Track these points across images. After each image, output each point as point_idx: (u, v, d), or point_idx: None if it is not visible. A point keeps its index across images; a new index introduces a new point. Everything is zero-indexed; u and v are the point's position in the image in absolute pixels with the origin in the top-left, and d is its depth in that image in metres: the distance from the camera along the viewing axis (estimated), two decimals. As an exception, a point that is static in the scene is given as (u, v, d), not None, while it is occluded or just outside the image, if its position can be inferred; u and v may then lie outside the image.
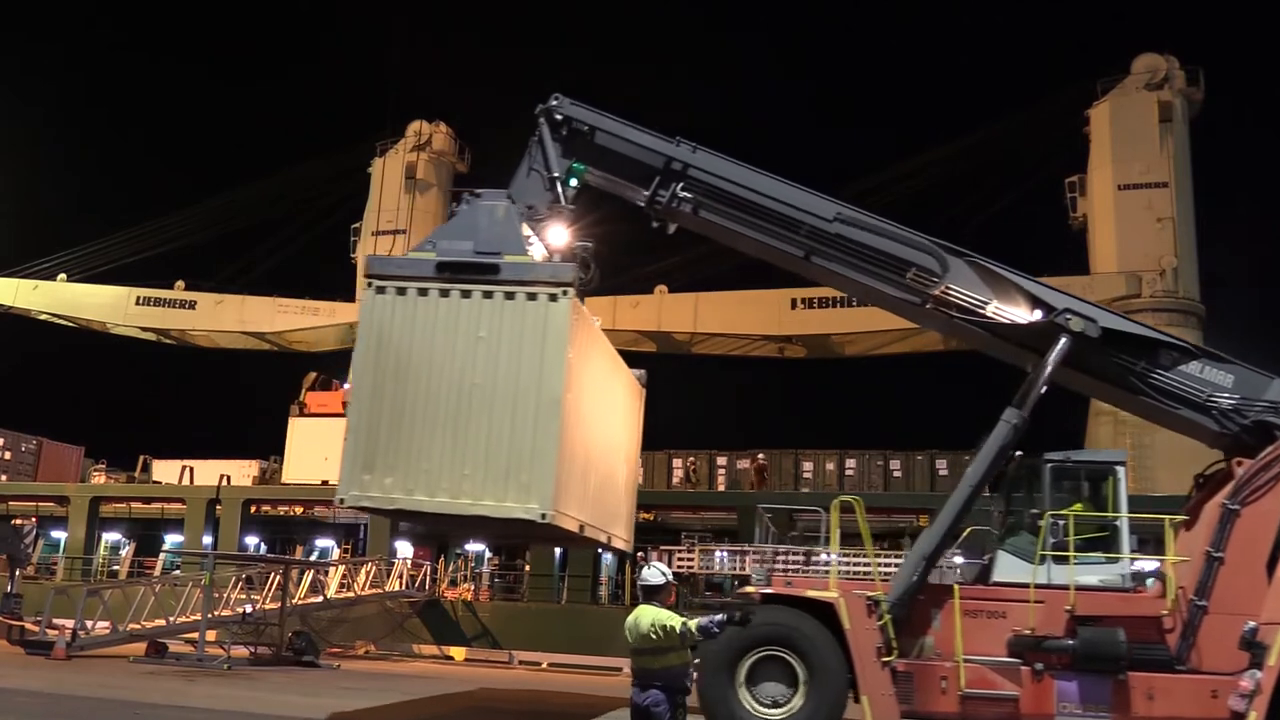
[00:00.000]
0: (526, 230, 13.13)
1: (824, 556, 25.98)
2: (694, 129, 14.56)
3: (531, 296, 12.07)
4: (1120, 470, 13.87)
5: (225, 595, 28.72)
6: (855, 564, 20.74)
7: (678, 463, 38.79)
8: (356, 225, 50.25)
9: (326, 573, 32.22)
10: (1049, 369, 13.66)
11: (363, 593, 31.52)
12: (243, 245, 51.84)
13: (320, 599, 30.84)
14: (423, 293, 12.34)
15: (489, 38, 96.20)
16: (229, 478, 39.47)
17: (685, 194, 14.24)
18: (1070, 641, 12.79)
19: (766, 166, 14.50)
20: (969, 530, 14.57)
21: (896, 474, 37.15)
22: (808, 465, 38.05)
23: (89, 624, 25.53)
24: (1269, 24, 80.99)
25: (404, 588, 32.88)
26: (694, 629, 9.18)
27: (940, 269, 13.97)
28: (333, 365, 46.25)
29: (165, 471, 43.86)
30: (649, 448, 17.29)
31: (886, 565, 17.39)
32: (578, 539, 13.71)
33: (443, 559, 36.68)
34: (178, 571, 35.20)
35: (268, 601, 28.36)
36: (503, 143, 48.10)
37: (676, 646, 9.31)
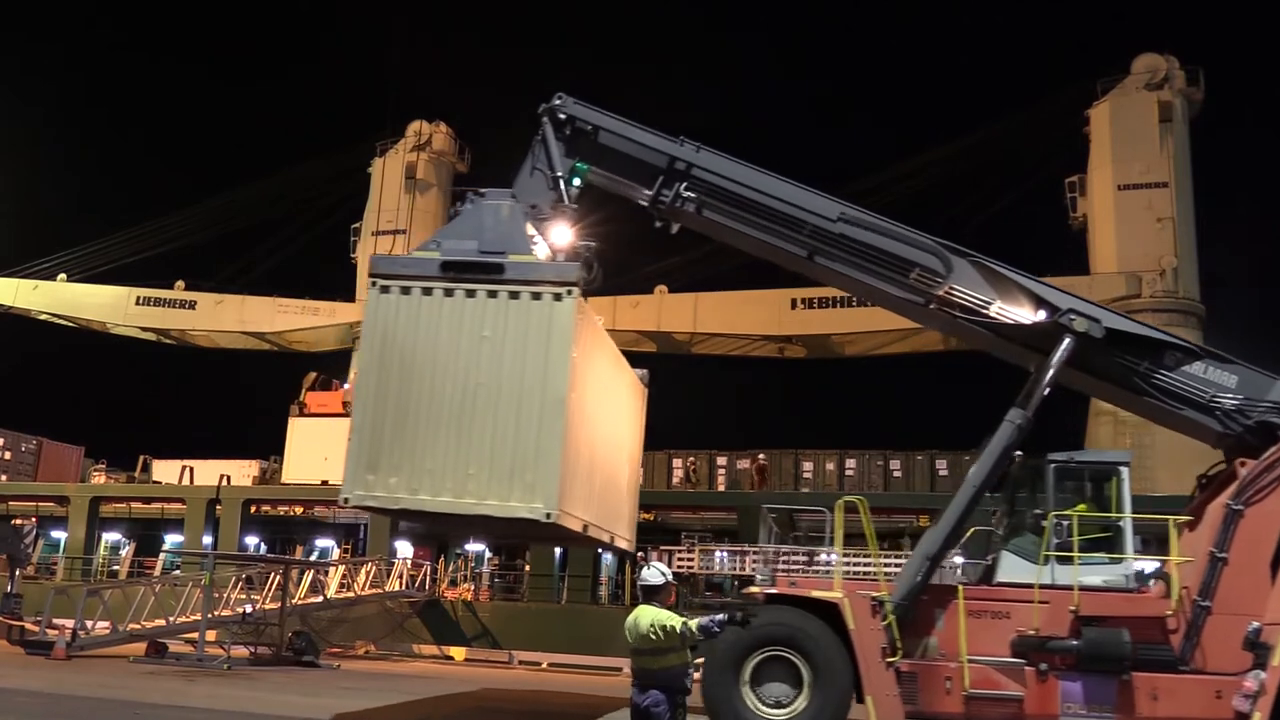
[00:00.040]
0: (530, 230, 13.10)
1: (823, 557, 26.02)
2: (694, 129, 14.53)
3: (536, 296, 12.04)
4: (1124, 471, 13.87)
5: (225, 595, 28.70)
6: (858, 564, 20.70)
7: (678, 463, 38.75)
8: (356, 225, 50.34)
9: (326, 573, 32.21)
10: (1053, 369, 13.64)
11: (363, 593, 31.51)
12: (243, 245, 52.00)
13: (320, 599, 30.83)
14: (427, 292, 12.30)
15: (489, 38, 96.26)
16: (229, 478, 39.43)
17: (689, 194, 14.20)
18: (1075, 642, 12.79)
19: (767, 166, 14.48)
20: (971, 531, 14.56)
21: (896, 474, 37.11)
22: (808, 465, 38.00)
23: (89, 624, 25.51)
24: (1269, 24, 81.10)
25: (404, 588, 32.87)
26: (694, 629, 9.17)
27: (944, 269, 13.95)
28: (333, 365, 46.36)
29: (165, 471, 43.81)
30: (649, 448, 17.27)
31: (889, 566, 17.37)
32: (581, 539, 13.70)
33: (443, 559, 36.67)
34: (178, 571, 35.18)
35: (268, 601, 28.35)
36: (503, 143, 48.28)
37: (676, 647, 9.30)
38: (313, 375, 43.77)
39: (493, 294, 12.17)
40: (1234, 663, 12.38)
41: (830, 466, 37.69)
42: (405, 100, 54.87)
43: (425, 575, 33.80)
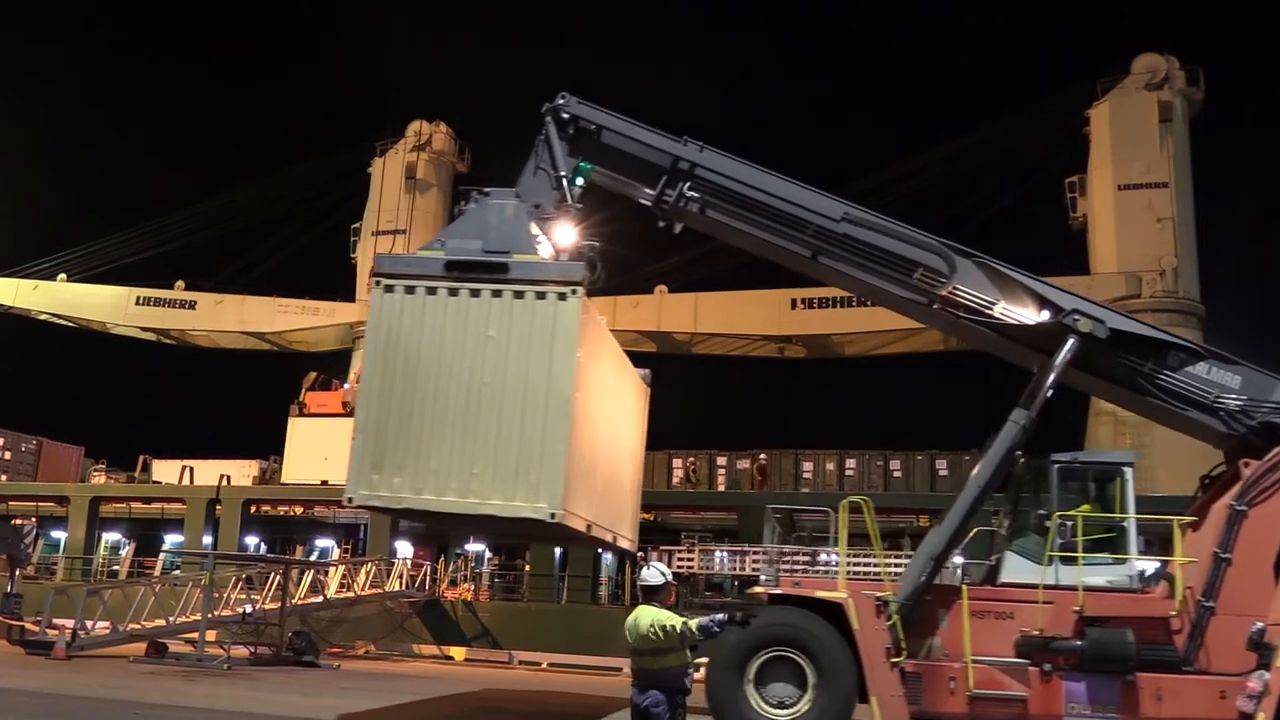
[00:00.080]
0: (534, 229, 13.09)
1: (824, 557, 26.04)
2: (694, 129, 14.52)
3: (541, 295, 12.02)
4: (1128, 471, 13.87)
5: (225, 595, 28.68)
6: (860, 564, 20.71)
7: (678, 463, 38.70)
8: (356, 225, 50.35)
9: (326, 573, 32.20)
10: (1057, 370, 13.64)
11: (363, 593, 31.50)
12: (243, 245, 51.97)
13: (320, 599, 30.81)
14: (431, 291, 12.28)
15: (489, 38, 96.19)
16: (229, 478, 39.39)
17: (692, 193, 14.19)
18: (1078, 642, 12.79)
19: (767, 166, 14.47)
20: (973, 531, 14.56)
21: (896, 474, 37.07)
22: (808, 465, 37.96)
23: (89, 624, 25.49)
24: (1269, 24, 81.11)
25: (404, 588, 32.85)
26: (694, 629, 9.17)
27: (948, 269, 13.94)
28: (333, 365, 46.31)
29: (165, 471, 43.74)
30: (649, 448, 17.26)
31: (892, 566, 17.39)
32: (585, 538, 13.68)
33: (443, 559, 36.66)
34: (178, 571, 35.17)
35: (268, 601, 28.33)
36: (503, 143, 48.26)
37: (676, 647, 9.29)
38: (313, 375, 43.71)
39: (497, 293, 12.15)
40: (1238, 663, 12.39)
41: (830, 466, 37.66)
42: (405, 100, 54.94)
43: (425, 575, 33.79)
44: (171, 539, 41.36)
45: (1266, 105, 77.03)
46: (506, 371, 11.85)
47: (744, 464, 38.50)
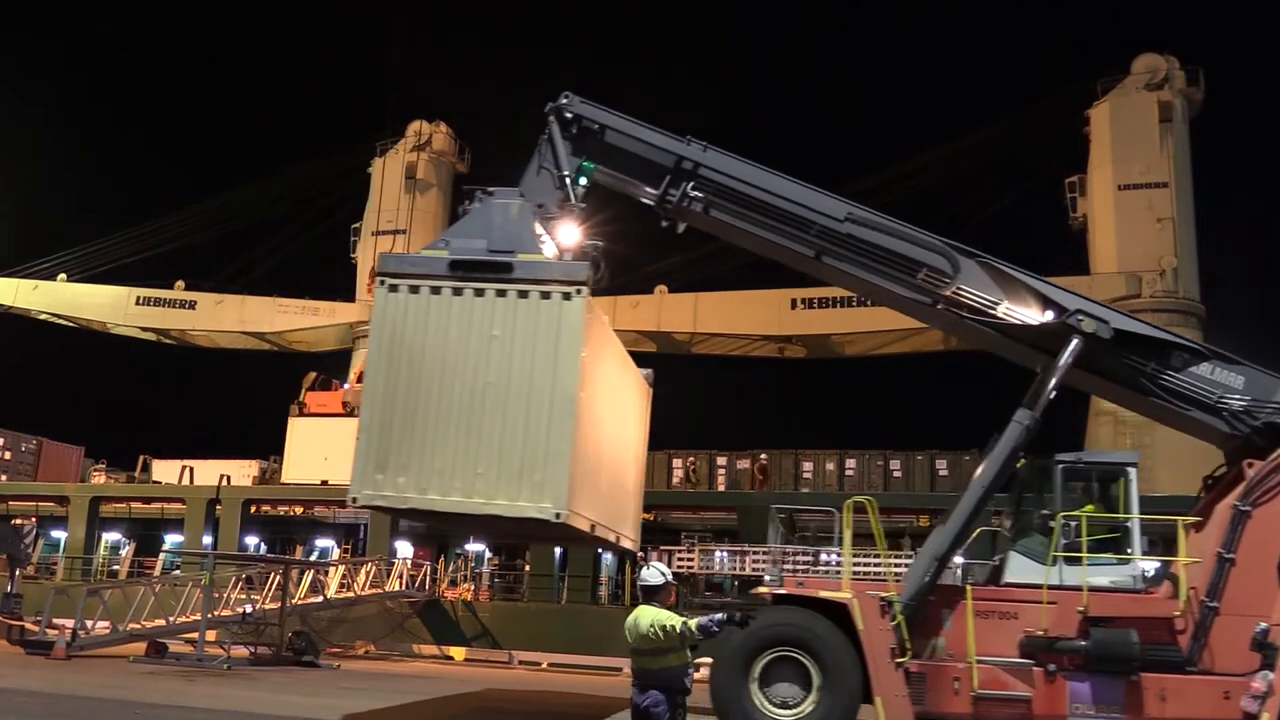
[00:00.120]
0: (539, 228, 13.08)
1: (824, 557, 26.05)
2: (694, 129, 14.50)
3: (545, 295, 12.00)
4: (1132, 471, 13.88)
5: (225, 595, 28.64)
6: (862, 564, 20.72)
7: (678, 463, 38.70)
8: (356, 225, 50.35)
9: (326, 573, 32.16)
10: (1061, 370, 13.64)
11: (363, 593, 31.46)
12: (243, 245, 51.95)
13: (320, 599, 30.77)
14: (436, 291, 12.25)
15: (489, 38, 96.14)
16: (229, 478, 39.36)
17: (696, 193, 14.18)
18: (1083, 642, 12.79)
19: (767, 166, 14.46)
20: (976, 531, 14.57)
21: (896, 474, 37.08)
22: (808, 465, 37.97)
23: (89, 624, 25.45)
24: (1269, 24, 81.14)
25: (404, 588, 32.81)
26: (694, 629, 9.17)
27: (952, 270, 13.94)
28: (333, 365, 46.32)
29: (165, 471, 43.73)
30: (649, 448, 17.28)
31: (896, 566, 17.39)
32: (589, 539, 13.67)
33: (443, 559, 36.63)
34: (178, 571, 35.12)
35: (268, 601, 28.29)
36: (503, 143, 48.32)
37: (676, 647, 9.29)
38: (312, 375, 43.70)
39: (502, 293, 12.14)
40: (1242, 663, 12.41)
41: (830, 466, 37.67)
42: (405, 100, 54.91)
43: (425, 575, 33.75)
44: (171, 539, 41.30)
45: (1266, 105, 77.15)
46: (511, 371, 11.84)
47: (744, 464, 38.51)
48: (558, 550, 33.27)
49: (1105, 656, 12.70)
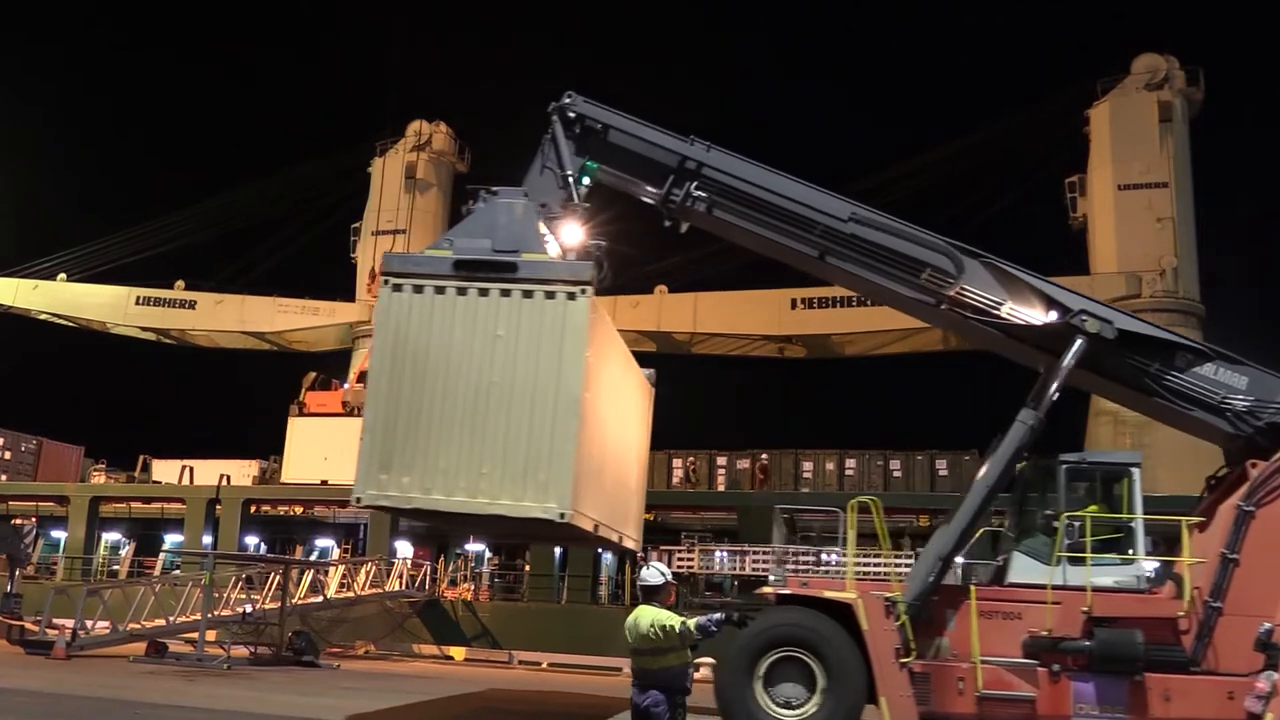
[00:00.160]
0: (543, 228, 13.07)
1: (825, 557, 26.05)
2: (694, 129, 14.50)
3: (550, 295, 12.01)
4: (1136, 471, 13.88)
5: (225, 595, 28.60)
6: (863, 564, 20.73)
7: (678, 463, 38.64)
8: (356, 225, 50.35)
9: (326, 573, 32.12)
10: (1064, 371, 13.64)
11: (363, 593, 31.42)
12: (243, 245, 51.89)
13: (320, 599, 30.74)
14: (440, 291, 12.26)
15: (489, 38, 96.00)
16: (229, 478, 39.31)
17: (699, 193, 14.18)
18: (1087, 643, 12.80)
19: (768, 166, 14.45)
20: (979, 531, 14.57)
21: (896, 474, 37.03)
22: (808, 465, 37.91)
23: (89, 624, 25.43)
24: (1269, 24, 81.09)
25: (404, 588, 32.77)
26: (693, 629, 9.17)
27: (955, 270, 13.94)
28: (333, 365, 46.28)
29: (165, 471, 43.66)
30: (650, 447, 17.29)
31: (897, 566, 17.38)
32: (592, 539, 13.67)
33: (443, 559, 36.57)
34: (178, 571, 35.06)
35: (268, 601, 28.27)
36: (503, 143, 48.28)
37: (676, 647, 9.30)
38: (312, 375, 43.65)
39: (506, 293, 12.14)
40: (1246, 663, 12.41)
41: (830, 466, 37.62)
42: (405, 100, 54.73)
43: (425, 575, 33.71)
44: (171, 539, 41.21)
45: (1266, 105, 76.95)
46: (515, 371, 11.84)
47: (744, 464, 38.46)
48: (558, 550, 33.24)
49: (1109, 657, 12.70)
